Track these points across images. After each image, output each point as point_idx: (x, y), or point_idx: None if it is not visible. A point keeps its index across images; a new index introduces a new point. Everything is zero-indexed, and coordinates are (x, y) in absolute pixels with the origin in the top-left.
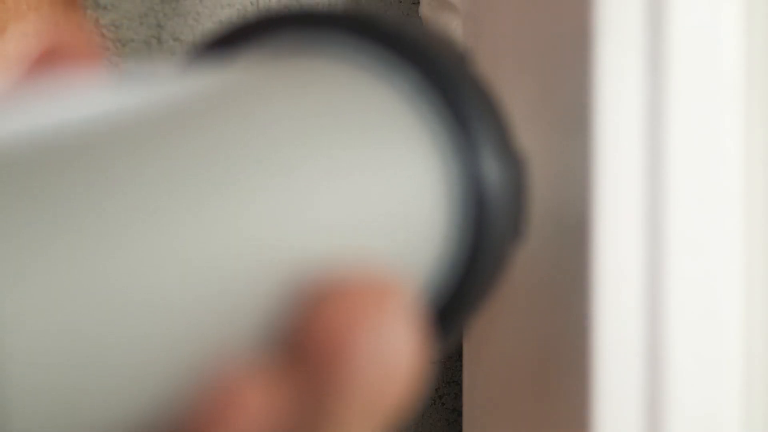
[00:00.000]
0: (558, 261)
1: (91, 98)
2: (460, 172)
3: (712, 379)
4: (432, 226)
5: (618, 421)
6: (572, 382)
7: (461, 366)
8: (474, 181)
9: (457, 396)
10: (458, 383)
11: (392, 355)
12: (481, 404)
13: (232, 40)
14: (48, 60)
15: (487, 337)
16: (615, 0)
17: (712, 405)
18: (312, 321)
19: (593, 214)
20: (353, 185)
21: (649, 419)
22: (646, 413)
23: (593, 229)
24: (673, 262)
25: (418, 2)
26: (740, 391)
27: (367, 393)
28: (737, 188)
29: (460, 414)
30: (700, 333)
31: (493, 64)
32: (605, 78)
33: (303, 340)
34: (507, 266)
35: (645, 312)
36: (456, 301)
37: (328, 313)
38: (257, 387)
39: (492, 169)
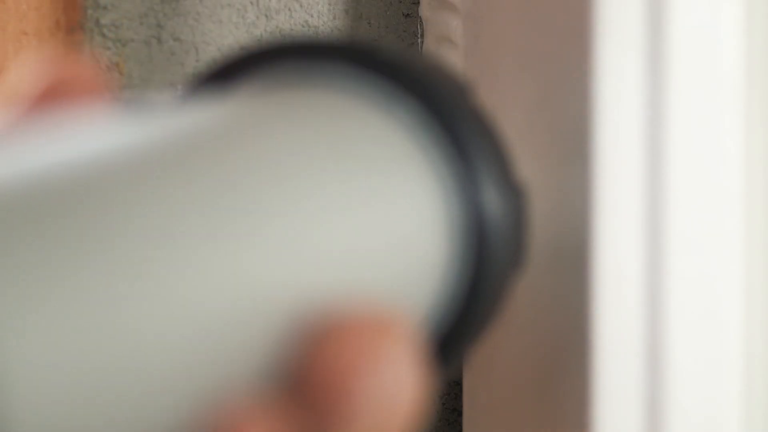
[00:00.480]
0: (558, 263)
1: (93, 137)
2: (461, 203)
3: (712, 380)
4: (432, 258)
5: (618, 422)
6: (573, 383)
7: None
8: (474, 213)
9: (457, 396)
10: (458, 383)
11: (395, 392)
12: (481, 404)
13: (232, 70)
14: (51, 96)
15: (488, 340)
16: (615, 0)
17: (713, 406)
18: (315, 359)
19: (593, 214)
20: (354, 219)
21: (650, 420)
22: (646, 414)
23: (593, 230)
24: (673, 262)
25: (418, 2)
26: (740, 391)
27: (370, 429)
28: (737, 188)
29: (460, 414)
30: (700, 333)
31: (493, 64)
32: (605, 78)
33: (306, 378)
34: (508, 296)
35: (645, 315)
36: (457, 332)
37: (330, 350)
38: (260, 425)
39: (492, 201)
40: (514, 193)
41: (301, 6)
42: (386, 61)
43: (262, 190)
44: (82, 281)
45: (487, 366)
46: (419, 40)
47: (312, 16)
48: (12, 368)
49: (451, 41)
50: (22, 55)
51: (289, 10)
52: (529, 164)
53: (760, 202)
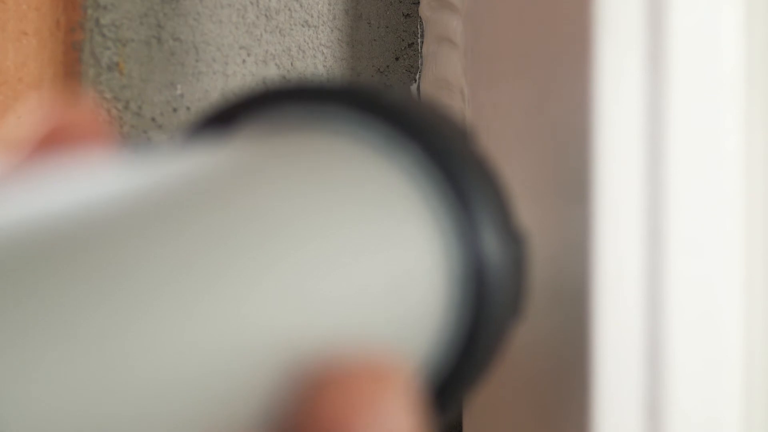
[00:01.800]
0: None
1: (92, 186)
2: (461, 250)
3: (712, 380)
4: (432, 304)
5: (618, 423)
6: (573, 387)
7: None
8: (474, 260)
9: None
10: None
11: None
12: (481, 405)
13: (232, 113)
14: (52, 142)
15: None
16: (615, 0)
17: (713, 406)
18: (313, 406)
19: (594, 212)
20: (353, 266)
21: (650, 421)
22: (646, 415)
23: (594, 228)
24: (673, 263)
25: (418, 2)
26: (740, 391)
27: None
28: (737, 188)
29: (460, 414)
30: (700, 334)
31: (493, 64)
32: (605, 78)
33: (304, 425)
34: (507, 342)
35: (646, 319)
36: (455, 378)
37: (328, 398)
38: None
39: (492, 248)
40: (515, 239)
41: (301, 6)
42: (387, 106)
43: (261, 238)
44: (80, 324)
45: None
46: (419, 40)
47: (312, 16)
48: (12, 412)
49: (451, 41)
50: (25, 101)
51: (289, 10)
52: (528, 162)
53: (760, 202)
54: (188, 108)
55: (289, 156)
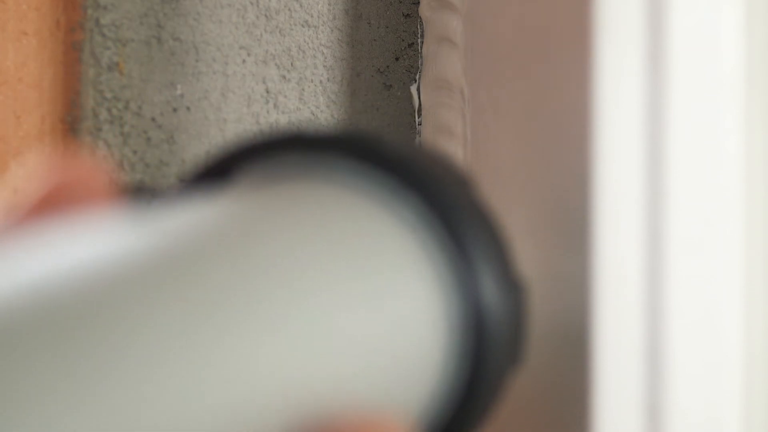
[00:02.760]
0: (558, 259)
1: (99, 244)
2: (460, 300)
3: (713, 381)
4: (431, 355)
5: (618, 424)
6: (573, 388)
7: None
8: (474, 310)
9: None
10: None
11: None
12: None
13: (231, 162)
14: (55, 199)
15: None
16: (615, 0)
17: (713, 407)
18: None
19: (594, 213)
20: (351, 321)
21: (650, 421)
22: (646, 415)
23: (593, 227)
24: (674, 263)
25: (418, 2)
26: (740, 392)
27: None
28: (737, 189)
29: None
30: (700, 334)
31: (493, 64)
32: (605, 78)
33: None
34: (506, 390)
35: (646, 320)
36: (454, 428)
37: None
38: None
39: (492, 298)
40: (514, 288)
41: (301, 6)
42: (386, 155)
43: (262, 297)
44: (92, 379)
45: None
46: (419, 40)
47: (312, 16)
48: None
49: (451, 41)
50: (26, 157)
51: (289, 10)
52: (528, 162)
53: (760, 202)
54: (188, 108)
55: (287, 210)
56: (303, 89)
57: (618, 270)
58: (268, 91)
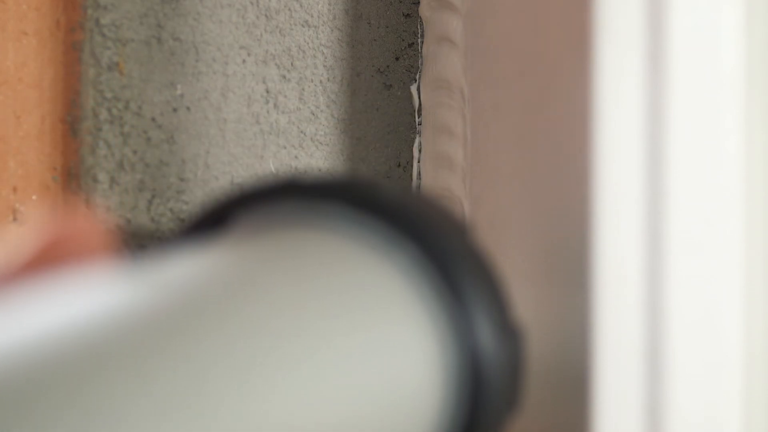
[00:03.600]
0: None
1: (94, 300)
2: (458, 349)
3: (713, 381)
4: (428, 404)
5: (618, 424)
6: (574, 388)
7: None
8: (471, 359)
9: None
10: None
11: None
12: None
13: (228, 209)
14: (52, 254)
15: None
16: (615, 0)
17: (713, 407)
18: None
19: (594, 211)
20: (350, 375)
21: (650, 421)
22: (646, 416)
23: (593, 215)
24: (674, 264)
25: (418, 2)
26: (740, 391)
27: None
28: (737, 189)
29: None
30: (700, 334)
31: (493, 64)
32: (605, 78)
33: None
34: None
35: (646, 320)
36: None
37: None
38: None
39: (489, 346)
40: (512, 336)
41: (301, 6)
42: (383, 203)
43: (256, 356)
44: None
45: None
46: (419, 40)
47: (312, 16)
48: None
49: (451, 41)
50: (24, 210)
51: (289, 10)
52: (527, 161)
53: (760, 202)
54: (188, 108)
55: (283, 262)
56: (303, 89)
57: (618, 270)
58: (268, 91)
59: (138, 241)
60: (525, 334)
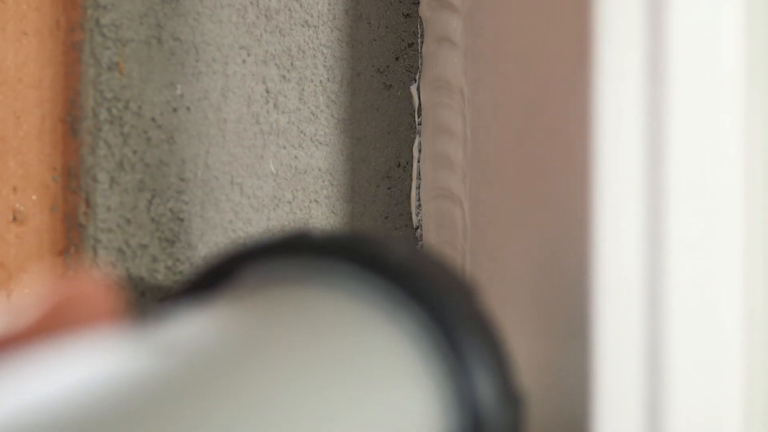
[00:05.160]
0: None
1: (101, 366)
2: (459, 413)
3: (713, 380)
4: None
5: (619, 423)
6: (574, 387)
7: None
8: (472, 424)
9: None
10: None
11: None
12: None
13: (231, 266)
14: (57, 318)
15: None
16: (615, 0)
17: (713, 406)
18: None
19: (594, 210)
20: None
21: (650, 421)
22: (646, 415)
23: (594, 217)
24: (674, 263)
25: (418, 2)
26: (740, 391)
27: None
28: (737, 189)
29: None
30: (700, 334)
31: (493, 64)
32: (605, 78)
33: None
34: None
35: (646, 320)
36: None
37: None
38: None
39: (491, 411)
40: (514, 401)
41: (301, 6)
42: (389, 263)
43: (263, 415)
44: None
45: None
46: (419, 40)
47: (312, 16)
48: None
49: (451, 41)
50: (29, 275)
51: (289, 10)
52: (526, 160)
53: (760, 202)
54: (188, 108)
55: (288, 324)
56: (303, 89)
57: (618, 271)
58: (268, 91)
59: (142, 293)
60: (527, 400)
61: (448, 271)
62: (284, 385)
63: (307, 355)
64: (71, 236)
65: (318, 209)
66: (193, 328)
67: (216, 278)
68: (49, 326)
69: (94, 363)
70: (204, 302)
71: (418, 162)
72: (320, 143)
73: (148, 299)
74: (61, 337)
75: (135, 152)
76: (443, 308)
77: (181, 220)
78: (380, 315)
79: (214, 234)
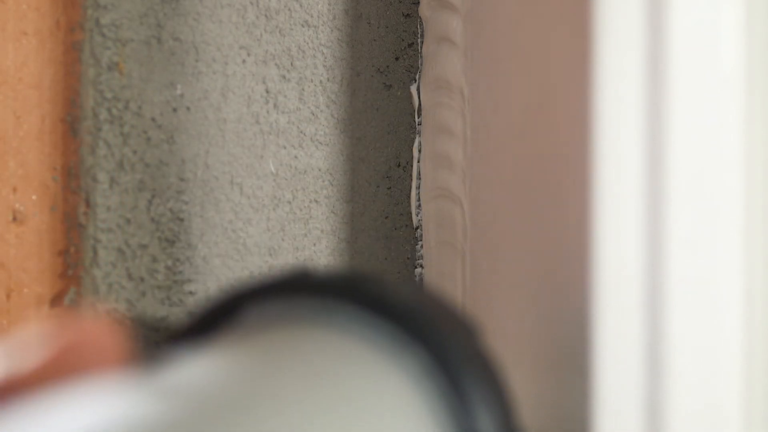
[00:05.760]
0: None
1: (108, 412)
2: None
3: (713, 380)
4: None
5: (618, 423)
6: (574, 387)
7: None
8: None
9: None
10: None
11: None
12: None
13: (235, 304)
14: (63, 361)
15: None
16: (615, 0)
17: (713, 406)
18: None
19: (594, 209)
20: None
21: (650, 421)
22: (646, 415)
23: (595, 222)
24: (674, 263)
25: (418, 2)
26: (740, 391)
27: None
28: (737, 189)
29: None
30: (700, 334)
31: (493, 64)
32: (605, 78)
33: None
34: None
35: (646, 320)
36: None
37: None
38: None
39: None
40: None
41: (301, 6)
42: (391, 303)
43: None
44: None
45: None
46: (419, 40)
47: (312, 16)
48: None
49: (451, 41)
50: (35, 319)
51: (289, 10)
52: (525, 160)
53: (760, 202)
54: (188, 108)
55: (294, 366)
56: (303, 89)
57: (618, 271)
58: (268, 91)
59: (146, 332)
60: None
61: (450, 310)
62: (289, 430)
63: (311, 398)
64: (71, 236)
65: (318, 209)
66: (196, 372)
67: (218, 318)
68: (56, 370)
69: (99, 408)
70: (207, 343)
71: (418, 162)
72: (320, 143)
73: (151, 338)
74: (67, 381)
75: (135, 152)
76: (446, 349)
77: (181, 220)
78: (383, 356)
79: (214, 234)
